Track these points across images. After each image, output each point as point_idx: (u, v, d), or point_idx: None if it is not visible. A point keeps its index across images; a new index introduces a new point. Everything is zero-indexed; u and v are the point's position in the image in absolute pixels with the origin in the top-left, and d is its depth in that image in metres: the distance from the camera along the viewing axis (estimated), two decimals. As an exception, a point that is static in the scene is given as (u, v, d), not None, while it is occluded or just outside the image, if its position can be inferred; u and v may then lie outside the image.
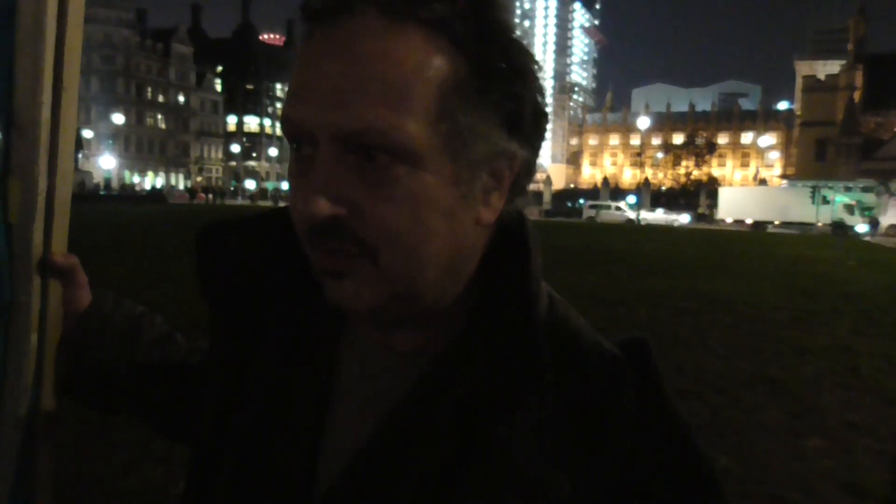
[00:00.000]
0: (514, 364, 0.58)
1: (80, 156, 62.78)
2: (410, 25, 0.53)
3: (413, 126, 0.52)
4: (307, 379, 0.65)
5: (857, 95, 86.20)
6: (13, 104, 0.78)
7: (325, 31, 0.54)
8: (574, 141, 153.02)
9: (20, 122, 0.78)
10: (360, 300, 0.56)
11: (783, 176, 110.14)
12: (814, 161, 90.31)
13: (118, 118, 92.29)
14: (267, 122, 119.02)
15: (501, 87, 0.55)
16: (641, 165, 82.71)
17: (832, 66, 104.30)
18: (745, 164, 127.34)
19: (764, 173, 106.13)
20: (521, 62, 0.56)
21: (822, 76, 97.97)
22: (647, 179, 72.94)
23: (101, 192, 62.05)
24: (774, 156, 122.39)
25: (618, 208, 54.33)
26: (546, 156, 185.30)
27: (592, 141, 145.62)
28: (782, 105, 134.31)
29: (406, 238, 0.54)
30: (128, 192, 73.39)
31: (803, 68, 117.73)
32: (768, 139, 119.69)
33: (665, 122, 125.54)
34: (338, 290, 0.56)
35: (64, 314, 0.85)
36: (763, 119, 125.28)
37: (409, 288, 0.57)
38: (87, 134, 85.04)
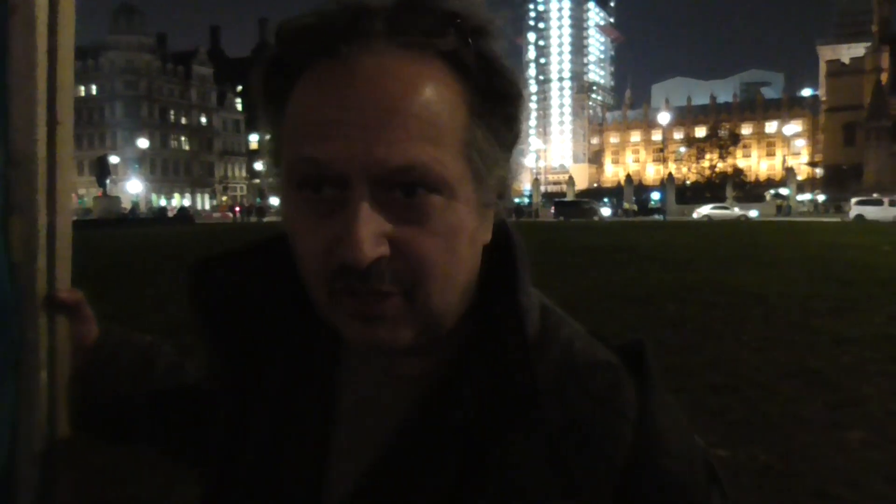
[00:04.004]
0: (506, 386, 0.58)
1: (107, 181, 63.71)
2: (429, 58, 0.54)
3: (449, 157, 0.54)
4: (310, 405, 0.66)
5: (883, 77, 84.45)
6: (9, 142, 0.79)
7: (337, 63, 0.53)
8: (595, 140, 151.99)
9: (17, 159, 0.78)
10: (398, 341, 0.56)
11: (811, 163, 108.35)
12: (842, 147, 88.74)
13: (143, 142, 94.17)
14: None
15: (503, 111, 0.58)
16: (664, 161, 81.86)
17: (856, 49, 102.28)
18: (770, 154, 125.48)
19: (791, 162, 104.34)
20: (515, 87, 0.58)
21: (846, 60, 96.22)
22: (671, 175, 72.21)
23: (129, 217, 62.96)
24: (801, 143, 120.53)
25: (893, 202, 42.84)
26: (567, 156, 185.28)
27: (613, 139, 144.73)
28: (806, 92, 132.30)
29: (444, 269, 0.55)
30: (155, 214, 74.59)
31: (826, 53, 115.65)
32: (794, 127, 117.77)
33: (686, 116, 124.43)
34: (369, 333, 0.55)
35: (73, 350, 0.84)
36: (787, 107, 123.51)
37: (441, 318, 0.58)
38: (114, 159, 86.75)
